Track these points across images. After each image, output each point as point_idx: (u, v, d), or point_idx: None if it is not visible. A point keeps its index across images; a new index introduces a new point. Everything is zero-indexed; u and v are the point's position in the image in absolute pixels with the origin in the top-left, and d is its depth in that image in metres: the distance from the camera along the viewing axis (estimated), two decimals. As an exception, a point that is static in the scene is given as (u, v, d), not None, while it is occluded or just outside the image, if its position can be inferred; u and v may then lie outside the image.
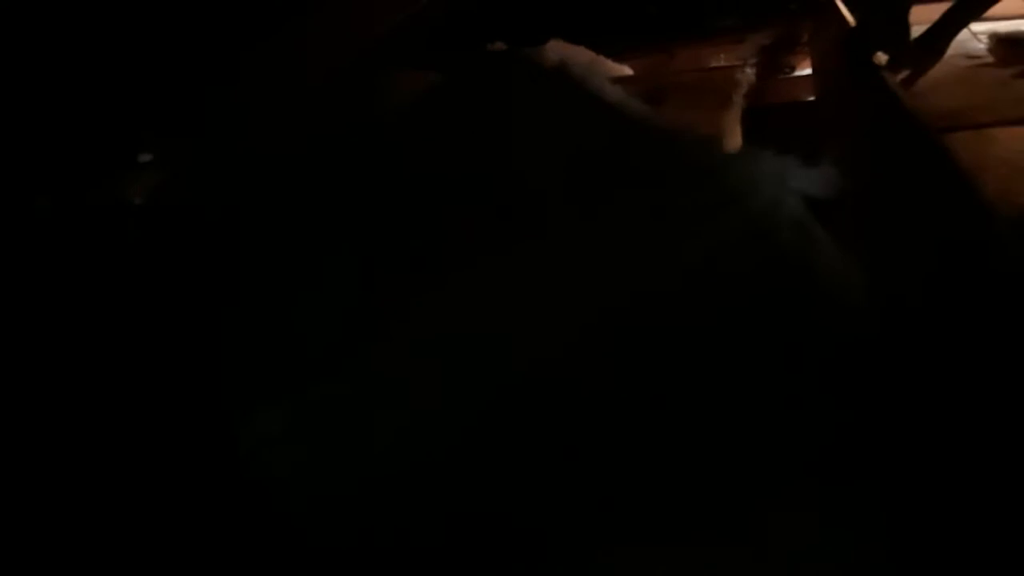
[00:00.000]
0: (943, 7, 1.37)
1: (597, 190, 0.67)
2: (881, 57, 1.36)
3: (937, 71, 1.41)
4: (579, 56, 2.08)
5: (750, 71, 1.97)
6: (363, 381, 0.67)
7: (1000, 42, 1.54)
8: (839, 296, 0.67)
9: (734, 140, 1.36)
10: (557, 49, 2.03)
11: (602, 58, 2.10)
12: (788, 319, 0.64)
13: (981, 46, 1.56)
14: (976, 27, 1.56)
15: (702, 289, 0.64)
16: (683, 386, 0.61)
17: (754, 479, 0.61)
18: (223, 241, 0.73)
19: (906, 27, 1.36)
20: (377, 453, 0.64)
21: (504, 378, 0.63)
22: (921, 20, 1.39)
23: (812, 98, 1.76)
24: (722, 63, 2.06)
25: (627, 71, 2.06)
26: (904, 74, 1.37)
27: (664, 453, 0.61)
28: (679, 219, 0.65)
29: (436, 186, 0.74)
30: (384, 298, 0.70)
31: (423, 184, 0.74)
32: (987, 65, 1.51)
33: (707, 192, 0.66)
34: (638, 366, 0.62)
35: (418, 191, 0.73)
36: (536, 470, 0.61)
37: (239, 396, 0.68)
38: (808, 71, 1.89)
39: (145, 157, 1.00)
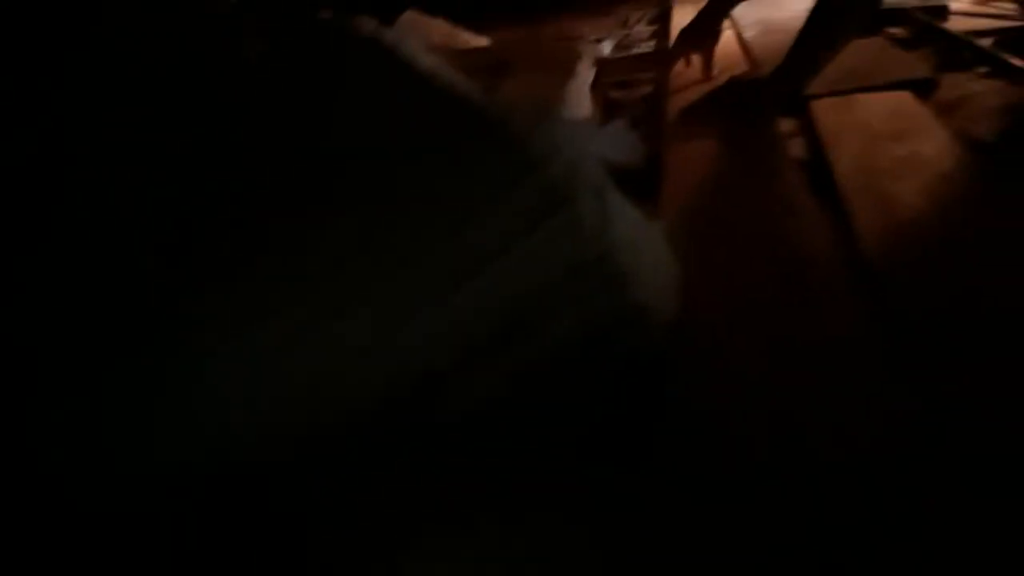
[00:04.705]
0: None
1: (391, 169, 0.66)
2: None
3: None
4: (435, 28, 2.05)
5: (602, 42, 1.99)
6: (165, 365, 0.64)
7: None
8: (637, 264, 0.69)
9: (575, 110, 1.37)
10: (411, 21, 2.00)
11: (458, 30, 2.08)
12: (583, 288, 0.65)
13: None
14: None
15: (499, 267, 0.64)
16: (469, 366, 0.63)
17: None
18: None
19: None
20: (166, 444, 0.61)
21: (302, 380, 0.62)
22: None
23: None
24: (581, 35, 2.07)
25: (482, 42, 2.05)
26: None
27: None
28: (474, 196, 0.64)
29: (231, 168, 0.70)
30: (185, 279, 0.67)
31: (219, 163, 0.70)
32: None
33: (504, 164, 0.66)
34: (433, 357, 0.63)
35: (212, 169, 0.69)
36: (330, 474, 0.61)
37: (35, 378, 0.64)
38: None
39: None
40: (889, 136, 1.11)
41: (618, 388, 0.68)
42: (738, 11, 1.67)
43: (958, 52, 1.44)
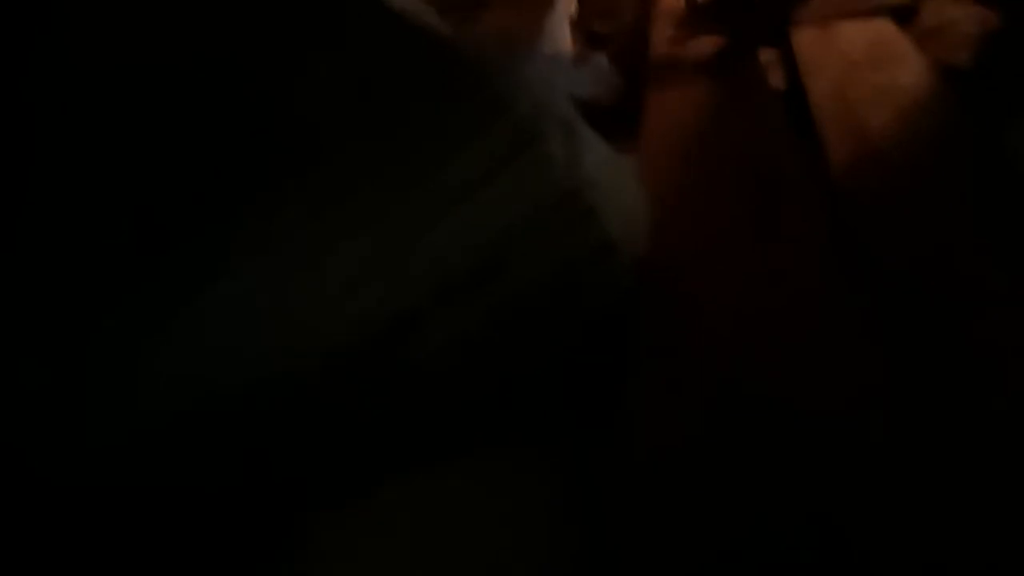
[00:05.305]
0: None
1: (366, 109, 0.66)
2: None
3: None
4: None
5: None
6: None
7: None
8: (607, 202, 0.70)
9: (557, 44, 1.36)
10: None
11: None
12: (552, 225, 0.66)
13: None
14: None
15: (471, 205, 0.65)
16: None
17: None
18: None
19: None
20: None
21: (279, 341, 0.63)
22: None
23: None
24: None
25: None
26: None
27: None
28: (443, 137, 0.65)
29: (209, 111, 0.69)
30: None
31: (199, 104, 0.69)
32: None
33: (472, 103, 0.66)
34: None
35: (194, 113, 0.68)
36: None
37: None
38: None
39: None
40: (867, 64, 1.11)
41: (588, 332, 0.70)
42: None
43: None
